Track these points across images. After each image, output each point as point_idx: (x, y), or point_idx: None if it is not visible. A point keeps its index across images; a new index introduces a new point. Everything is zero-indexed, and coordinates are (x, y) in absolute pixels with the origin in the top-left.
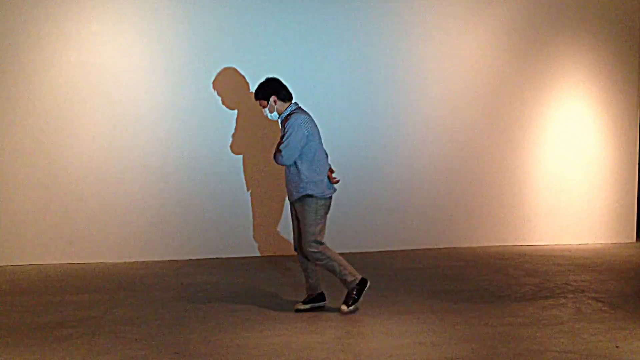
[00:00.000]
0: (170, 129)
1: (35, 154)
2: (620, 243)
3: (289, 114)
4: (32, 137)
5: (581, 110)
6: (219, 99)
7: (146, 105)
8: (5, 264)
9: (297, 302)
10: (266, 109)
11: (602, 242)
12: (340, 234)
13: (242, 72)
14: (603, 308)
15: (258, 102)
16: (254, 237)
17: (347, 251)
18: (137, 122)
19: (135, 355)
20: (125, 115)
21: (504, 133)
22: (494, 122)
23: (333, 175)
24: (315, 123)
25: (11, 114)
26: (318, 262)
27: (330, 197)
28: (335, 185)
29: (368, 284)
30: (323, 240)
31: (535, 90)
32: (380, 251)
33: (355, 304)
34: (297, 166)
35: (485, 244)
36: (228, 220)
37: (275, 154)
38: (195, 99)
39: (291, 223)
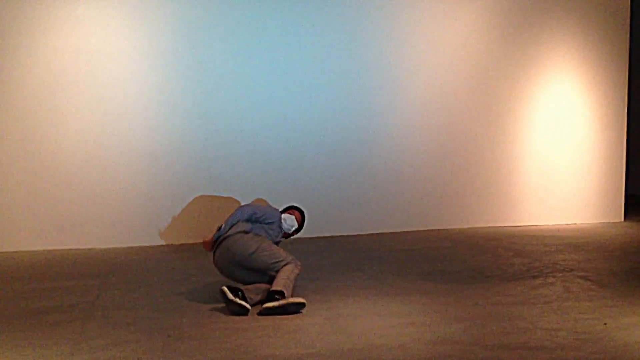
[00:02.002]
0: (158, 114)
1: (23, 140)
2: (608, 223)
3: None
4: (19, 123)
5: (570, 92)
6: (209, 83)
7: (134, 90)
8: None
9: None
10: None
11: (591, 222)
12: (331, 217)
13: (231, 54)
14: (591, 287)
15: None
16: None
17: (338, 234)
18: (125, 108)
19: (128, 339)
20: (113, 101)
21: (493, 115)
22: (484, 105)
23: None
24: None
25: None
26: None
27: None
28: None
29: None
30: None
31: (524, 73)
32: (371, 234)
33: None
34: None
35: (475, 225)
36: (217, 205)
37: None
38: (184, 83)
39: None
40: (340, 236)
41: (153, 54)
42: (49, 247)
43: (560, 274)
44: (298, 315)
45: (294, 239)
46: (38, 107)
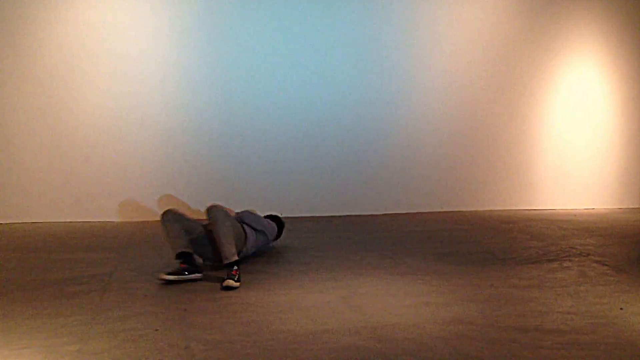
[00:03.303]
0: (176, 88)
1: (41, 114)
2: (626, 208)
3: None
4: (37, 97)
5: (590, 74)
6: (226, 60)
7: (152, 64)
8: (14, 221)
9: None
10: None
11: (608, 206)
12: (346, 197)
13: (249, 32)
14: (608, 271)
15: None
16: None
17: (353, 213)
18: (142, 82)
19: (144, 311)
20: (131, 75)
21: (511, 96)
22: (502, 85)
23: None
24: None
25: (17, 73)
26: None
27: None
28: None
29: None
30: None
31: (543, 53)
32: (385, 214)
33: None
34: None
35: (491, 207)
36: (235, 180)
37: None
38: (201, 60)
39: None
40: (355, 216)
41: (171, 30)
42: (67, 220)
43: (577, 258)
44: (313, 292)
45: (312, 216)
46: (56, 81)
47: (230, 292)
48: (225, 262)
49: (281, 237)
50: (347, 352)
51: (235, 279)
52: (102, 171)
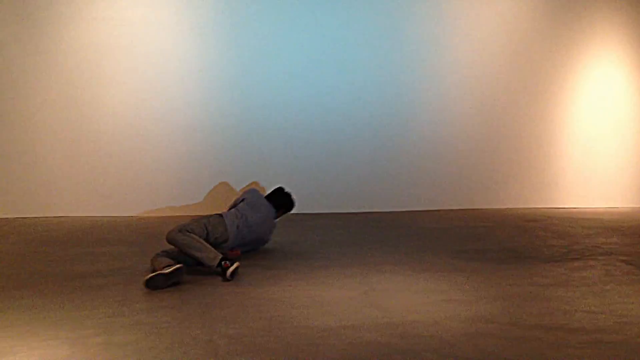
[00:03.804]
0: (197, 84)
1: (65, 109)
2: None
3: None
4: (62, 93)
5: (613, 71)
6: (246, 57)
7: (173, 60)
8: (40, 216)
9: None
10: None
11: (632, 205)
12: (367, 194)
13: (269, 30)
14: (633, 270)
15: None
16: None
17: (376, 210)
18: (164, 78)
19: (168, 304)
20: (153, 72)
21: (533, 93)
22: (525, 83)
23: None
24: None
25: (40, 70)
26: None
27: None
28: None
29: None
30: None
31: (566, 50)
32: (408, 211)
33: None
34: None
35: (513, 205)
36: (255, 176)
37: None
38: (222, 57)
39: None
40: (376, 212)
41: (193, 27)
42: (91, 214)
43: (601, 257)
44: (334, 288)
45: (332, 213)
46: (79, 78)
47: (252, 288)
48: (213, 267)
49: (293, 207)
50: (368, 348)
51: (231, 267)
52: (125, 167)
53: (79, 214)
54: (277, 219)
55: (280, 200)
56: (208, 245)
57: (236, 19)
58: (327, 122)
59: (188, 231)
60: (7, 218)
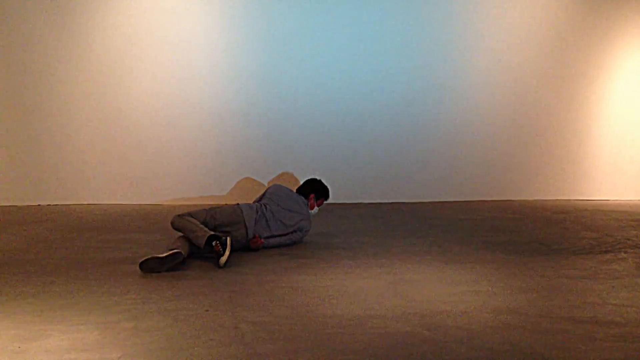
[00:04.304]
0: (226, 74)
1: (97, 99)
2: None
3: None
4: (93, 83)
5: None
6: (275, 47)
7: (203, 49)
8: (71, 203)
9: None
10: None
11: None
12: (395, 184)
13: (296, 18)
14: None
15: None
16: None
17: (402, 201)
18: (194, 68)
19: (195, 292)
20: (183, 61)
21: (565, 85)
22: (557, 73)
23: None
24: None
25: (73, 59)
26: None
27: None
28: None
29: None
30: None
31: (601, 40)
32: (435, 201)
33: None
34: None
35: (542, 197)
36: (285, 165)
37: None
38: (251, 47)
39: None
40: (403, 203)
41: (223, 17)
42: (120, 202)
43: (632, 250)
44: (360, 278)
45: (360, 203)
46: (111, 67)
47: (278, 276)
48: (202, 246)
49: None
50: (395, 338)
51: (221, 253)
52: (155, 155)
53: (109, 201)
54: (315, 209)
55: (308, 187)
56: (202, 227)
57: (265, 8)
58: (355, 112)
59: (189, 215)
60: (40, 205)
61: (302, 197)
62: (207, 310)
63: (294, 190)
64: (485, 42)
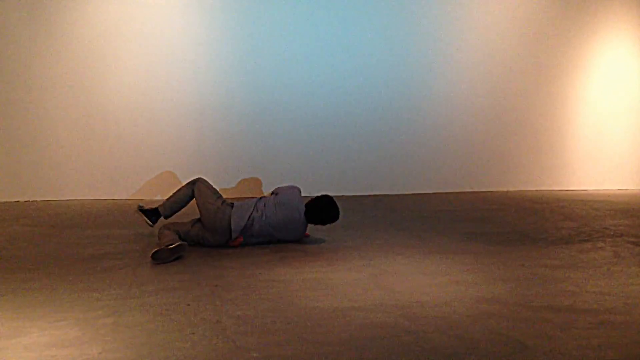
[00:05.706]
0: (207, 67)
1: (75, 92)
2: None
3: None
4: (70, 76)
5: (625, 54)
6: (256, 40)
7: (182, 42)
8: (50, 199)
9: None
10: None
11: None
12: (376, 176)
13: (280, 11)
14: None
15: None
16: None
17: (383, 193)
18: (174, 61)
19: (176, 286)
20: (162, 53)
21: (544, 75)
22: (535, 63)
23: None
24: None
25: (50, 53)
26: None
27: None
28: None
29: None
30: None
31: (578, 33)
32: (415, 194)
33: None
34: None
35: (522, 187)
36: (265, 159)
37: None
38: (232, 37)
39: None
40: (385, 195)
41: (201, 8)
42: (100, 197)
43: (610, 239)
44: (342, 270)
45: (341, 196)
46: (88, 60)
47: (260, 270)
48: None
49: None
50: (376, 329)
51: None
52: (135, 149)
53: (89, 197)
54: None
55: (322, 215)
56: (172, 237)
57: (246, 1)
58: (337, 106)
59: (172, 226)
60: (18, 201)
61: (306, 222)
62: (188, 305)
63: (305, 204)
64: (465, 35)
